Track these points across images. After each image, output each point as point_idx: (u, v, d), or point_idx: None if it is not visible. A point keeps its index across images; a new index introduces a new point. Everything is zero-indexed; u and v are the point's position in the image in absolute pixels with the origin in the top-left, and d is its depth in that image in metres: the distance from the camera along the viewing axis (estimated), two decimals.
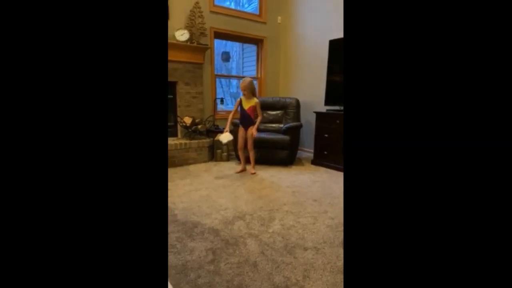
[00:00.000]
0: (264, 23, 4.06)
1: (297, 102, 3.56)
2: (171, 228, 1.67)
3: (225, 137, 2.80)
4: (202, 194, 2.25)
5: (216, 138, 3.28)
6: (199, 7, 3.32)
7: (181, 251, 1.41)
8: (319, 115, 3.22)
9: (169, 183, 2.51)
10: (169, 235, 1.57)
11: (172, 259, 1.35)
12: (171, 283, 1.18)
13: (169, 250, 1.42)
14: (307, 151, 3.90)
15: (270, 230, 1.66)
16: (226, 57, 5.42)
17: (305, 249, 1.47)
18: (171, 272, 1.25)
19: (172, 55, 3.14)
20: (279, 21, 4.20)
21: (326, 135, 3.12)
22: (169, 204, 2.02)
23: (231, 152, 3.49)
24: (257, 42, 4.16)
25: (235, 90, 6.41)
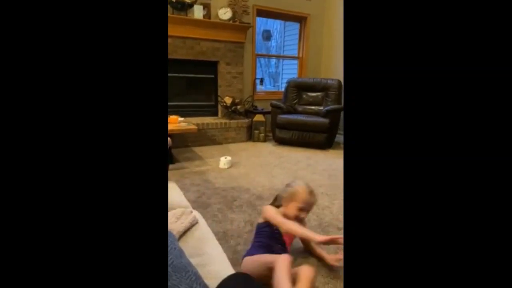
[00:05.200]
0: None
1: (340, 83, 3.44)
2: (213, 199, 1.82)
3: None
4: (240, 171, 2.38)
5: None
6: None
7: (222, 221, 1.55)
8: None
9: (210, 159, 2.68)
10: (211, 206, 1.72)
11: (214, 226, 1.49)
12: None
13: (211, 219, 1.57)
14: None
15: None
16: (267, 35, 5.33)
17: (339, 229, 1.51)
18: None
19: (214, 35, 3.21)
20: None
21: None
22: (211, 179, 2.19)
23: (268, 133, 3.54)
24: (300, 19, 4.02)
25: (273, 70, 6.32)
